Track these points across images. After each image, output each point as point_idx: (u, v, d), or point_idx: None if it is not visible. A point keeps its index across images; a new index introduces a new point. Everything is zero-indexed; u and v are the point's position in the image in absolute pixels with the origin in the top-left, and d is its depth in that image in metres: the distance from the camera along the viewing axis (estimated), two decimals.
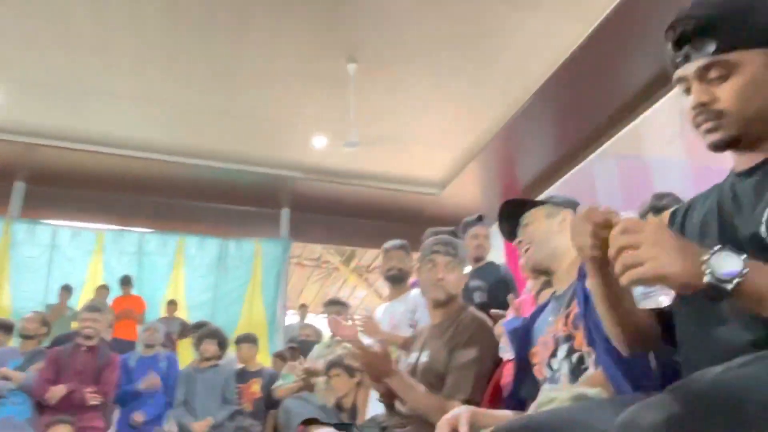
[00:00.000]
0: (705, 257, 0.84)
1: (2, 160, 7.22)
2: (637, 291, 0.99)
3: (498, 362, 2.05)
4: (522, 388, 1.63)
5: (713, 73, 1.05)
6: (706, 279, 0.83)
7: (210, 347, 5.03)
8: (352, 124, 5.87)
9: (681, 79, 1.09)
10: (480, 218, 3.89)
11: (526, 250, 1.71)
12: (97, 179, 7.69)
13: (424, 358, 2.07)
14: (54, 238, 7.88)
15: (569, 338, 1.50)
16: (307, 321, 8.59)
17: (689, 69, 1.07)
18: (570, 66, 5.40)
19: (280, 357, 5.91)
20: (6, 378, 4.31)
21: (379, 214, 8.67)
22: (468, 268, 3.63)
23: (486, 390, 1.92)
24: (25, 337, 4.71)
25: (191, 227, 8.49)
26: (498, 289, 3.28)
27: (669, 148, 5.76)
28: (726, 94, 1.04)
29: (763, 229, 0.96)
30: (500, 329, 2.06)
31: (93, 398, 4.24)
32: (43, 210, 8.03)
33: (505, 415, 1.45)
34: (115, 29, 5.26)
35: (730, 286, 0.83)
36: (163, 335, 5.63)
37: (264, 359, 6.51)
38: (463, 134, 6.86)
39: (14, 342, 5.12)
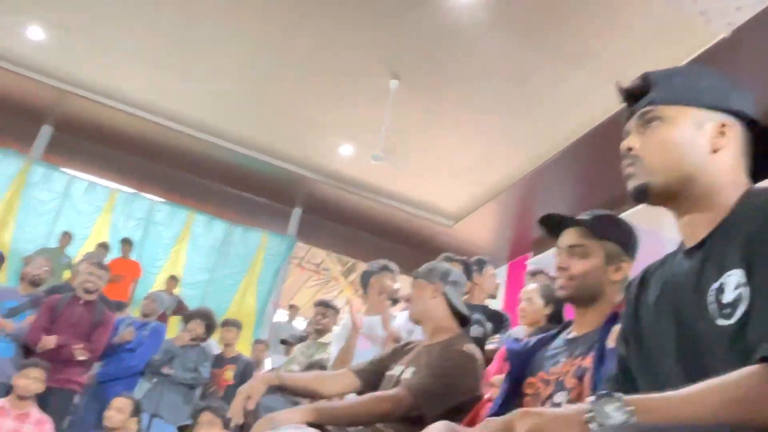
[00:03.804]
0: (587, 415, 0.78)
1: (35, 100, 7.32)
2: None
3: (473, 400, 2.04)
4: (507, 412, 1.58)
5: (649, 124, 1.07)
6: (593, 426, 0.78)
7: (197, 328, 5.05)
8: (382, 139, 5.91)
9: (626, 133, 1.12)
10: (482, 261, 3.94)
11: (566, 279, 1.59)
12: (122, 139, 7.76)
13: (407, 374, 2.07)
14: (68, 188, 7.94)
15: (571, 388, 1.46)
16: (296, 322, 8.57)
17: (630, 122, 1.11)
18: (604, 129, 5.43)
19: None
20: None
21: (389, 233, 8.69)
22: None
23: (437, 412, 1.89)
24: (33, 284, 4.67)
25: (202, 205, 8.54)
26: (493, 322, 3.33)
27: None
28: (648, 140, 1.06)
29: (721, 322, 0.91)
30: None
31: (81, 354, 4.22)
32: (64, 158, 8.12)
33: None
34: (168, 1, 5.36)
35: None
36: (162, 309, 5.65)
37: (245, 350, 6.50)
38: (488, 172, 6.88)
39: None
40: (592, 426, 0.76)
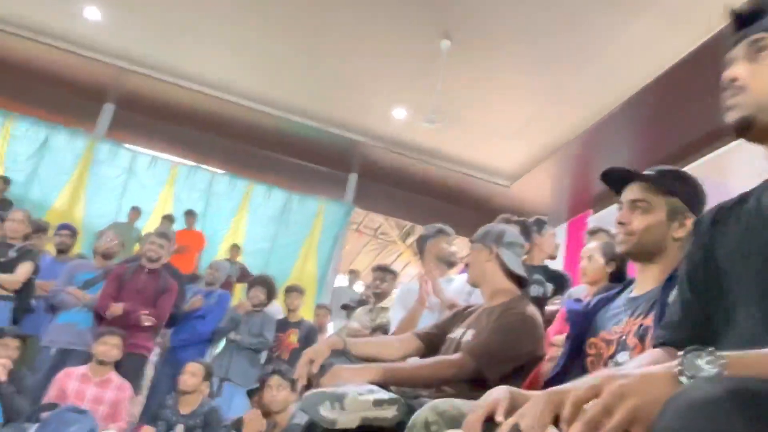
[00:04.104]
0: (677, 369, 0.73)
1: (97, 79, 7.55)
2: None
3: (534, 361, 2.05)
4: (569, 373, 1.57)
5: (760, 51, 0.98)
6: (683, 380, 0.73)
7: (258, 294, 5.20)
8: (435, 102, 5.86)
9: (731, 61, 1.03)
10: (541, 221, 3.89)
11: (625, 234, 1.55)
12: (181, 114, 7.94)
13: (468, 336, 2.09)
14: (132, 163, 8.20)
15: (632, 348, 1.45)
16: (356, 287, 8.70)
17: (737, 49, 1.02)
18: (666, 80, 5.22)
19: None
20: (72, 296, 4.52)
21: (445, 196, 8.66)
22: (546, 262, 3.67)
23: (499, 374, 1.90)
24: (106, 256, 4.87)
25: (260, 175, 8.69)
26: (554, 282, 3.31)
27: (758, 181, 5.52)
28: (758, 70, 0.97)
29: None
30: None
31: (147, 320, 4.42)
32: (127, 134, 8.36)
33: None
34: None
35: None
36: (224, 276, 5.85)
37: (308, 315, 6.66)
38: (544, 130, 6.74)
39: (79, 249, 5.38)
40: (683, 379, 0.72)
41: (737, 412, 0.61)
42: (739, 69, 1.00)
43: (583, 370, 1.56)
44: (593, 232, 3.77)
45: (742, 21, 1.02)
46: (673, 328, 1.13)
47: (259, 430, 3.57)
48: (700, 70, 5.00)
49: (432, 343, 2.23)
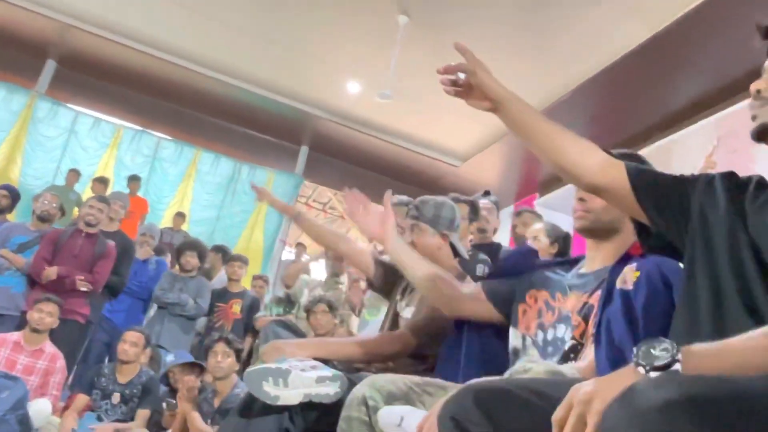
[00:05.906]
0: (633, 360, 0.77)
1: (39, 35, 7.21)
2: None
3: None
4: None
5: None
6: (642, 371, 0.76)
7: (191, 259, 5.11)
8: (390, 78, 5.82)
9: (764, 71, 1.06)
10: (487, 192, 3.91)
11: (583, 211, 1.56)
12: (127, 75, 7.67)
13: (407, 313, 2.11)
14: (74, 124, 7.90)
15: (575, 326, 1.46)
16: (303, 259, 8.64)
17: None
18: (616, 69, 5.32)
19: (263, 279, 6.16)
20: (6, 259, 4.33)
21: (396, 173, 8.66)
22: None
23: (437, 344, 1.91)
24: (43, 219, 4.67)
25: (208, 143, 8.51)
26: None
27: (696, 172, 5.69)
28: None
29: None
30: None
31: (83, 285, 4.29)
32: (69, 94, 8.04)
33: None
34: None
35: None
36: (157, 237, 5.75)
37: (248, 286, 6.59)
38: None
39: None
40: (640, 370, 0.75)
41: (683, 420, 0.61)
42: (763, 81, 1.03)
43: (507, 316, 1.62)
44: (519, 213, 3.86)
45: None
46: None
47: (192, 386, 3.52)
48: (652, 59, 5.12)
49: (384, 272, 2.27)
